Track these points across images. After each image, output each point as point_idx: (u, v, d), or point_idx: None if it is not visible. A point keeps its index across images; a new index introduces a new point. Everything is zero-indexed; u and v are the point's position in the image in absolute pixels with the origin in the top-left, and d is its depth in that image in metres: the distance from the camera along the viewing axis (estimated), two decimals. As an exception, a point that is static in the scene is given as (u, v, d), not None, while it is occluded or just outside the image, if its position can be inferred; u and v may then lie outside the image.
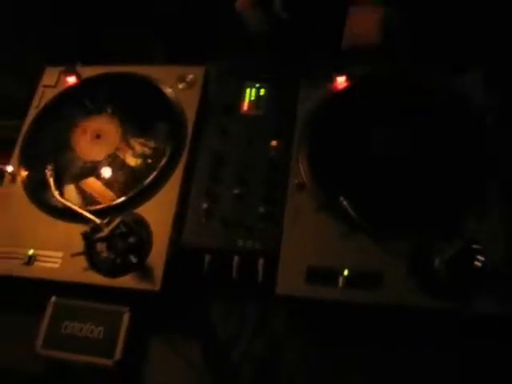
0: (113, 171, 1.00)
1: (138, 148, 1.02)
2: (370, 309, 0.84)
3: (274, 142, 0.98)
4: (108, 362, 0.88)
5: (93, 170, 1.00)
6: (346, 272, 0.85)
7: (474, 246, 0.79)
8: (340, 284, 0.84)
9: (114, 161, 1.01)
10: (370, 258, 0.85)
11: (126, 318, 0.91)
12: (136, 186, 0.97)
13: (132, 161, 1.01)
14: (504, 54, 0.97)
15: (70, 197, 0.98)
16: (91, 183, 1.01)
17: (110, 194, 0.99)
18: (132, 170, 1.00)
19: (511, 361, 0.83)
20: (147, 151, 1.02)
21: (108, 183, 0.99)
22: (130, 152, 1.02)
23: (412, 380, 0.84)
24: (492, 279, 0.80)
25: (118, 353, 0.88)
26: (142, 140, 1.03)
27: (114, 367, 0.88)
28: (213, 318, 0.91)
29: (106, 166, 1.01)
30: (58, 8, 1.19)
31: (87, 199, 0.98)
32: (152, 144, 1.02)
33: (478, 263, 0.79)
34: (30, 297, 0.95)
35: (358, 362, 0.87)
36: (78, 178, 1.00)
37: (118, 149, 1.02)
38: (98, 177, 1.00)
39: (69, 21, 1.20)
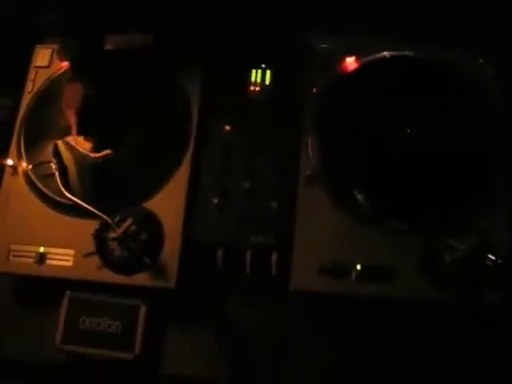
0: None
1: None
2: (382, 302, 0.93)
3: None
4: (129, 356, 0.97)
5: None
6: (358, 266, 0.92)
7: (486, 245, 0.87)
8: (353, 278, 0.92)
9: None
10: (382, 252, 0.93)
11: (142, 311, 0.98)
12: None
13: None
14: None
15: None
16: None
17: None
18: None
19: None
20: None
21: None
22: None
23: (419, 372, 0.93)
24: (500, 272, 0.88)
25: (138, 346, 0.97)
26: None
27: (134, 360, 0.97)
28: (227, 310, 0.99)
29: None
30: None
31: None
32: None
33: (489, 262, 0.86)
34: (45, 292, 1.02)
35: (367, 351, 0.96)
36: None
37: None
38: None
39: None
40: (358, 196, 0.93)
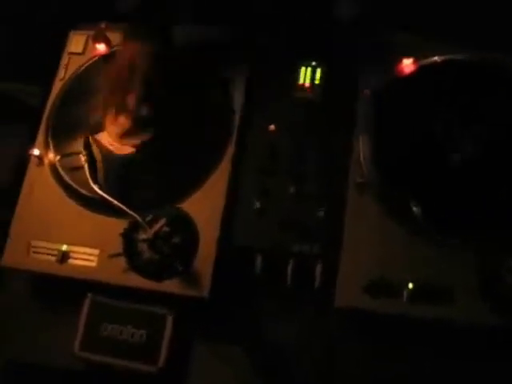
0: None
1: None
2: (436, 325, 0.85)
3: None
4: (152, 369, 0.89)
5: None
6: (410, 285, 0.84)
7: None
8: (404, 298, 0.84)
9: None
10: (437, 269, 0.84)
11: (169, 321, 0.90)
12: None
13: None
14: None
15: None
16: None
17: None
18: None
19: None
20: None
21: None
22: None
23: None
24: None
25: (163, 359, 0.89)
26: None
27: (158, 374, 0.89)
28: (263, 324, 0.91)
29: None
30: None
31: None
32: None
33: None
34: (65, 294, 0.95)
35: (416, 375, 0.87)
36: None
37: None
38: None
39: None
40: (414, 208, 0.86)
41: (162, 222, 0.87)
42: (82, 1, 1.18)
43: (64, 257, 0.93)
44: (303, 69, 0.98)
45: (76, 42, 1.06)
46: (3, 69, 1.13)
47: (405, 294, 0.84)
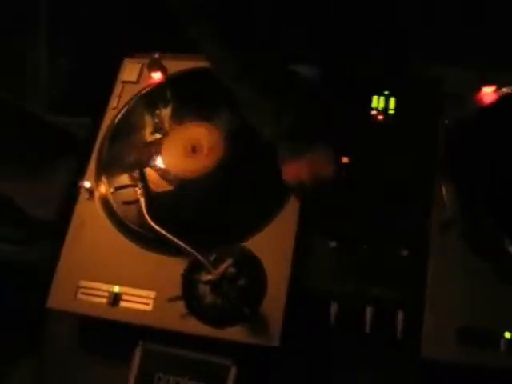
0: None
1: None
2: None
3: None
4: (214, 427, 0.80)
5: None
6: (507, 334, 0.75)
7: None
8: (501, 348, 0.75)
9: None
10: (536, 318, 0.76)
11: (233, 372, 0.81)
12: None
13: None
14: None
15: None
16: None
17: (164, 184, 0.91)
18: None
19: None
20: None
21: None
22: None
23: None
24: None
25: (225, 416, 0.80)
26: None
27: (220, 432, 0.80)
28: (339, 378, 0.82)
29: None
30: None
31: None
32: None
33: None
34: (116, 340, 0.87)
35: None
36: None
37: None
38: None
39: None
40: (510, 248, 0.78)
41: (229, 262, 0.79)
42: (130, 32, 1.14)
43: (116, 299, 0.85)
44: (376, 98, 0.91)
45: (130, 70, 1.01)
46: (53, 101, 1.08)
47: (502, 343, 0.75)
